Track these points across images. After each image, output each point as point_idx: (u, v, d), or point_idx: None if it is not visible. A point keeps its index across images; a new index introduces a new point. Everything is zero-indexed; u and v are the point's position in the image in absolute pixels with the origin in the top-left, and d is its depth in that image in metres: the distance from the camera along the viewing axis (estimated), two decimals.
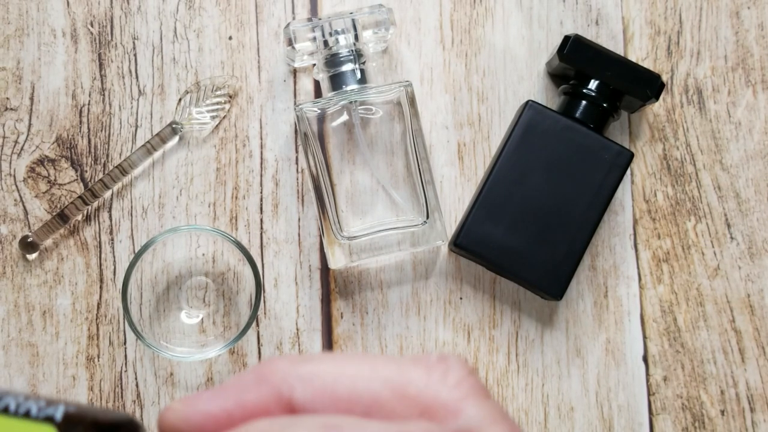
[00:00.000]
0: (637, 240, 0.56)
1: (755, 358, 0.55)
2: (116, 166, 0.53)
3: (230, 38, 0.55)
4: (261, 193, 0.55)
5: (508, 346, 0.55)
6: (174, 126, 0.54)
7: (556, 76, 0.56)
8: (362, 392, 0.20)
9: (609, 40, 0.57)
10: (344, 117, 0.53)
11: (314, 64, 0.53)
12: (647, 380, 0.55)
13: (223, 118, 0.55)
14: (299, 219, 0.55)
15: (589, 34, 0.56)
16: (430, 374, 0.20)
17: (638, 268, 0.55)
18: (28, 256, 0.53)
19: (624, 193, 0.56)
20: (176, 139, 0.54)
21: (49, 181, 0.54)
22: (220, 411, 0.21)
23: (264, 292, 0.54)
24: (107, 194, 0.54)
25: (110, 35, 0.55)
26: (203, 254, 0.54)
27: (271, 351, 0.54)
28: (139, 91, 0.55)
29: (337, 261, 0.52)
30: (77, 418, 0.20)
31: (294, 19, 0.56)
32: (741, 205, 0.56)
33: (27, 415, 0.20)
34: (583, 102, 0.53)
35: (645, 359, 0.55)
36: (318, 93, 0.55)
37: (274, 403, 0.21)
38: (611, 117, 0.53)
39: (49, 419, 0.20)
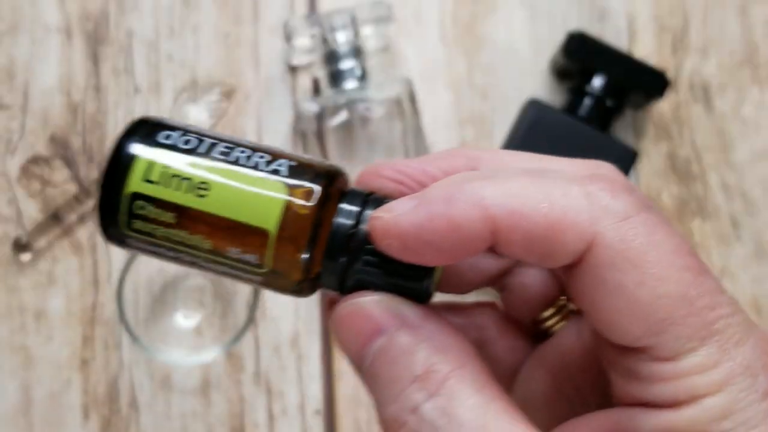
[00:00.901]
0: None
1: None
2: None
3: (227, 35, 0.55)
4: None
5: None
6: None
7: (559, 74, 0.55)
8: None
9: (614, 36, 0.56)
10: (343, 115, 0.52)
11: (313, 61, 0.53)
12: None
13: (221, 116, 0.54)
14: None
15: (594, 31, 0.55)
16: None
17: None
18: (21, 256, 0.52)
19: None
20: None
21: (43, 181, 0.53)
22: (417, 168, 0.24)
23: (262, 293, 0.53)
24: None
25: (105, 31, 0.54)
26: None
27: (268, 354, 0.53)
28: (135, 88, 0.54)
29: None
30: (298, 170, 0.23)
31: (292, 15, 0.55)
32: (748, 205, 0.55)
33: (255, 168, 0.23)
34: (588, 100, 0.52)
35: None
36: (317, 90, 0.55)
37: (464, 168, 0.23)
38: (616, 115, 0.53)
39: (275, 173, 0.23)
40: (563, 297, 0.26)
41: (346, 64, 0.51)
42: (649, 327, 0.20)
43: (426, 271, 0.23)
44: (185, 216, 0.23)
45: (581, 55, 0.52)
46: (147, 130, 0.24)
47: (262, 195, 0.23)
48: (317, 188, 0.23)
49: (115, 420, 0.52)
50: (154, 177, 0.23)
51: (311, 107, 0.51)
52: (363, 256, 0.23)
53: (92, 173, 0.53)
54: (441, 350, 0.21)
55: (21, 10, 0.54)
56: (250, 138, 0.54)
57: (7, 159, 0.53)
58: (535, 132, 0.51)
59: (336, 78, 0.51)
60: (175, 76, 0.54)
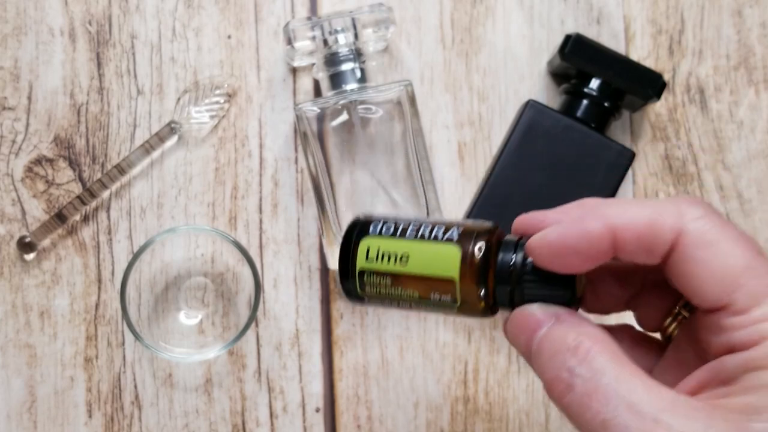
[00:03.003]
0: None
1: None
2: (114, 166, 0.53)
3: (229, 37, 0.55)
4: (260, 193, 0.55)
5: (509, 347, 0.55)
6: (173, 125, 0.53)
7: (557, 76, 0.56)
8: None
9: (610, 39, 0.56)
10: (344, 116, 0.53)
11: (314, 63, 0.53)
12: None
13: (222, 117, 0.55)
14: (299, 219, 0.55)
15: (591, 33, 0.56)
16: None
17: None
18: (25, 256, 0.53)
19: (625, 193, 0.56)
20: (175, 138, 0.54)
21: (47, 181, 0.54)
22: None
23: (263, 292, 0.54)
24: (105, 194, 0.54)
25: (108, 34, 0.55)
26: (202, 254, 0.54)
27: (270, 352, 0.54)
28: (138, 90, 0.54)
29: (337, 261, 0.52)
30: (465, 233, 0.33)
31: (293, 17, 0.56)
32: (743, 205, 0.56)
33: (436, 239, 0.33)
34: (585, 101, 0.52)
35: None
36: (318, 92, 0.55)
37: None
38: (612, 116, 0.53)
39: (450, 240, 0.33)
40: (677, 306, 0.34)
41: (347, 66, 0.52)
42: (725, 288, 0.27)
43: (566, 284, 0.31)
44: (396, 278, 0.34)
45: (578, 57, 0.52)
46: (361, 226, 0.35)
47: (444, 256, 0.33)
48: (479, 247, 0.32)
49: (118, 417, 0.53)
50: (371, 256, 0.34)
51: (312, 109, 0.52)
52: (523, 283, 0.31)
53: (95, 174, 0.54)
54: (585, 333, 0.29)
55: (25, 12, 0.54)
56: (253, 140, 0.55)
57: (12, 160, 0.54)
58: (532, 133, 0.52)
59: (336, 80, 0.52)
60: (177, 77, 0.55)
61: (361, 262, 0.34)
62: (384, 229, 0.34)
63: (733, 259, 0.27)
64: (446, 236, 0.33)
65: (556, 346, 0.29)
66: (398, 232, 0.34)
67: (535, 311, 0.31)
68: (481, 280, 0.32)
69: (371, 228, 0.35)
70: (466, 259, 0.32)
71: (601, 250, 0.29)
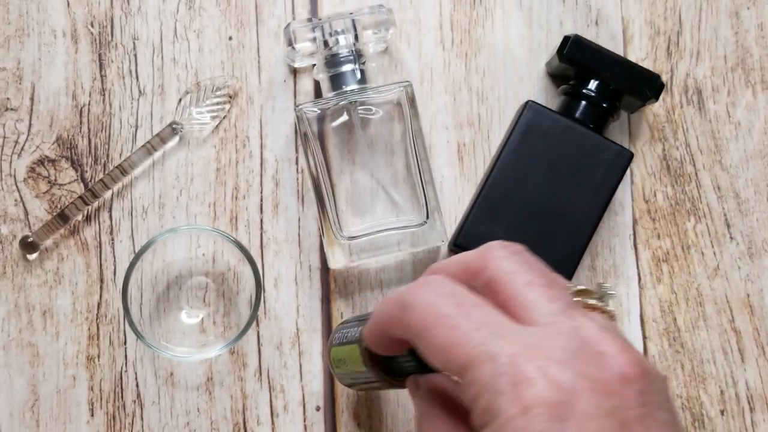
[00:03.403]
0: (636, 240, 0.56)
1: (755, 358, 0.55)
2: (116, 167, 0.53)
3: (230, 38, 0.55)
4: (261, 193, 0.55)
5: None
6: (174, 126, 0.54)
7: (555, 77, 0.56)
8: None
9: (609, 40, 0.57)
10: (344, 117, 0.53)
11: (314, 65, 0.54)
12: None
13: (223, 118, 0.55)
14: (299, 219, 0.55)
15: (589, 35, 0.56)
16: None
17: (638, 268, 0.56)
18: (28, 256, 0.53)
19: (624, 193, 0.56)
20: (176, 139, 0.54)
21: (49, 182, 0.54)
22: None
23: (264, 292, 0.54)
24: (107, 194, 0.54)
25: (110, 35, 0.55)
26: (203, 254, 0.54)
27: (271, 351, 0.54)
28: (140, 91, 0.55)
29: (337, 261, 0.52)
30: (362, 329, 0.37)
31: (294, 19, 0.56)
32: (740, 205, 0.56)
33: (350, 342, 0.39)
34: (583, 102, 0.53)
35: None
36: (318, 93, 0.55)
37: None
38: (611, 117, 0.53)
39: (355, 339, 0.38)
40: None
41: (347, 67, 0.52)
42: (444, 365, 0.30)
43: (412, 357, 0.36)
44: (351, 374, 0.41)
45: (577, 59, 0.52)
46: (330, 338, 0.44)
47: (353, 354, 0.39)
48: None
49: (120, 416, 0.53)
50: (335, 363, 0.43)
51: (312, 110, 0.52)
52: (391, 361, 0.37)
53: (97, 174, 0.54)
54: (427, 401, 0.34)
55: (28, 14, 0.55)
56: (254, 141, 0.55)
57: (14, 160, 0.54)
58: (531, 134, 0.52)
59: (337, 81, 0.52)
60: (178, 78, 0.55)
61: (333, 368, 0.43)
62: (336, 340, 0.42)
63: (443, 338, 0.30)
64: (354, 336, 0.39)
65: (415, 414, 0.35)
66: (341, 341, 0.41)
67: (408, 383, 0.36)
68: (377, 364, 0.37)
69: (332, 340, 0.43)
70: (362, 353, 0.38)
71: (389, 343, 0.34)
